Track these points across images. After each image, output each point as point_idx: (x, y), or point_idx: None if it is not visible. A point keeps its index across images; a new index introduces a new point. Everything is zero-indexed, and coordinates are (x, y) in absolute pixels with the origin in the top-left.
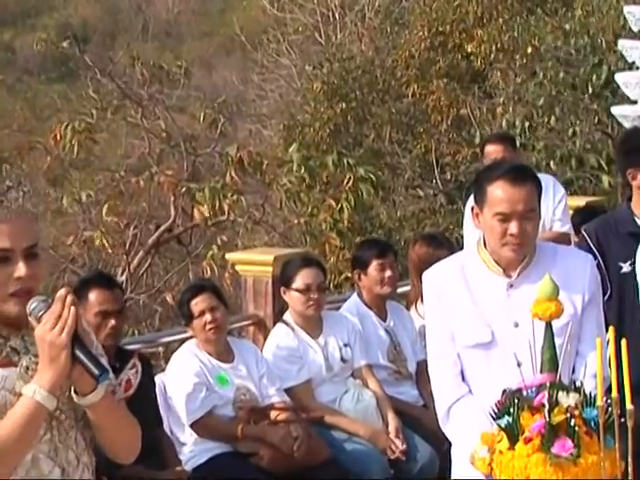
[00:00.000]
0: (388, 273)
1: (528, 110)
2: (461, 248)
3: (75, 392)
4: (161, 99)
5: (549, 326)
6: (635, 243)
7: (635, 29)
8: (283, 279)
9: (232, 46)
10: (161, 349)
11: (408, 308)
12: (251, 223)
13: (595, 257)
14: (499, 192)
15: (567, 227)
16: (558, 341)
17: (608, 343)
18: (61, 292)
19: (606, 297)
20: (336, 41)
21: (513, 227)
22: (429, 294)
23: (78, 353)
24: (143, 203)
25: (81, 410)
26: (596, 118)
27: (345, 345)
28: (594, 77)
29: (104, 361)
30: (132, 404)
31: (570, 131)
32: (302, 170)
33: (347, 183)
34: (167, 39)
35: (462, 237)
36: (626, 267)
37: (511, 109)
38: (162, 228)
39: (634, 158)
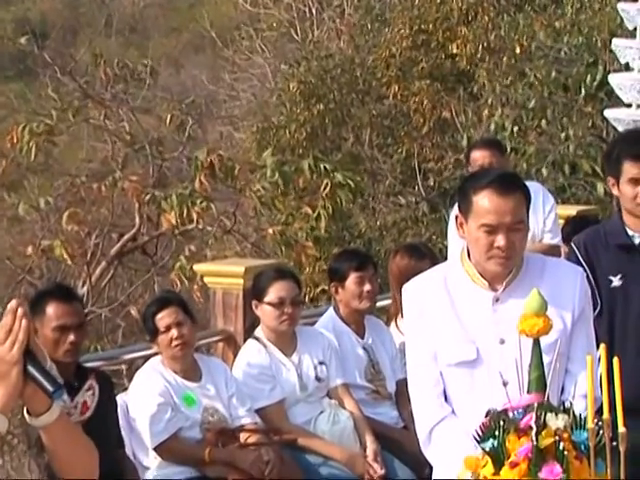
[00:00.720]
0: (367, 287)
1: (517, 113)
2: (445, 259)
3: (28, 412)
4: (125, 99)
5: (537, 343)
6: (626, 256)
7: (630, 26)
8: (255, 292)
9: (202, 43)
10: (124, 366)
11: (388, 324)
12: (221, 232)
13: (584, 270)
14: (485, 202)
15: (557, 239)
16: (546, 359)
17: (599, 361)
18: (12, 304)
19: (596, 313)
20: (313, 38)
21: (500, 240)
22: (409, 308)
23: (31, 369)
24: (106, 210)
25: (35, 434)
26: (590, 121)
27: (320, 363)
28: (588, 78)
29: (59, 379)
30: (91, 425)
31: (562, 135)
32: (276, 176)
33: (324, 190)
34: (132, 35)
35: (446, 248)
36: (616, 281)
37: (499, 112)
38: (126, 237)
39: (611, 166)
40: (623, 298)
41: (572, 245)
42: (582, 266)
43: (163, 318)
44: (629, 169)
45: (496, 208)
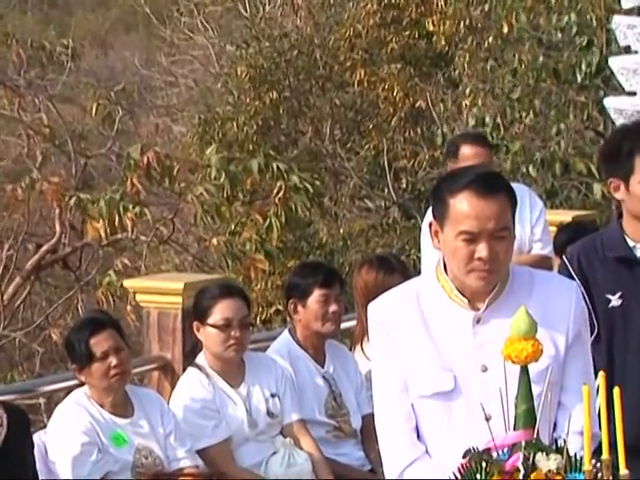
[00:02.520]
0: (333, 307)
1: (500, 104)
2: (419, 273)
3: None
4: (43, 86)
5: (525, 371)
6: (625, 270)
7: (627, 4)
8: (196, 312)
9: (134, 20)
10: (42, 400)
11: (352, 349)
12: (157, 242)
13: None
14: (464, 206)
15: (548, 249)
16: (536, 390)
17: (597, 392)
18: None
19: (592, 337)
20: (265, 14)
21: (482, 249)
22: (376, 330)
23: None
24: (21, 217)
25: None
26: (585, 113)
27: (273, 395)
28: (582, 63)
29: None
30: (1, 469)
31: (553, 130)
32: (222, 177)
33: (277, 193)
34: (51, 11)
35: (420, 260)
36: (615, 300)
37: (480, 102)
38: (44, 248)
39: (615, 165)
40: (623, 320)
41: (564, 259)
42: (575, 282)
43: (99, 343)
44: None
45: (477, 213)
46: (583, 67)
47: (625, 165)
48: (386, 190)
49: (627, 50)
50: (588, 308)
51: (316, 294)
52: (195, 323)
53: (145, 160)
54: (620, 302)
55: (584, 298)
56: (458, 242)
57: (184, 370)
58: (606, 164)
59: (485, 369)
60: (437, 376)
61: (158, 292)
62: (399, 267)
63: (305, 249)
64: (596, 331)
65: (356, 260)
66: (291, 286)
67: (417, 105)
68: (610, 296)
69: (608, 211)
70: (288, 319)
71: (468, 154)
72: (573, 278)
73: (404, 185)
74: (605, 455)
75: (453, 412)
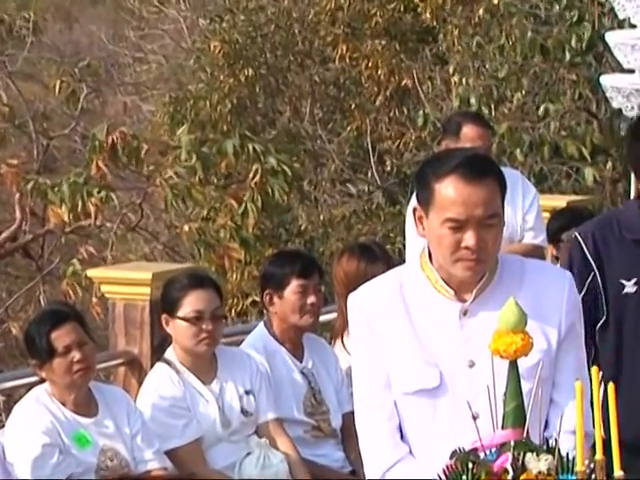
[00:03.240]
0: (312, 299)
1: (486, 83)
2: (404, 262)
3: None
4: (2, 62)
5: (514, 366)
6: None
7: None
8: (165, 304)
9: None
10: (1, 398)
11: (332, 343)
12: (125, 229)
13: (590, 271)
14: (450, 191)
15: (541, 238)
16: (526, 386)
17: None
18: None
19: (600, 323)
20: None
21: (469, 238)
22: (356, 323)
23: None
24: None
25: None
26: (576, 92)
27: (247, 392)
28: (573, 38)
29: None
30: None
31: (542, 110)
32: (194, 159)
33: (253, 177)
34: None
35: (405, 248)
36: (630, 286)
37: (466, 81)
38: (4, 235)
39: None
40: (636, 308)
41: (577, 237)
42: (589, 265)
43: (61, 337)
44: None
45: (464, 198)
46: (573, 43)
47: None
48: (369, 174)
49: (621, 25)
50: (598, 293)
51: (293, 285)
52: (164, 316)
53: (111, 141)
54: (635, 289)
55: (596, 281)
56: (444, 230)
57: (152, 366)
58: (630, 143)
59: (472, 364)
60: (421, 372)
61: (124, 282)
62: (382, 256)
63: (283, 236)
64: (604, 318)
65: (337, 248)
66: (267, 276)
67: (403, 83)
68: (625, 281)
69: (600, 197)
70: (264, 311)
71: (472, 135)
72: (587, 259)
73: (389, 168)
74: (599, 455)
75: (438, 410)
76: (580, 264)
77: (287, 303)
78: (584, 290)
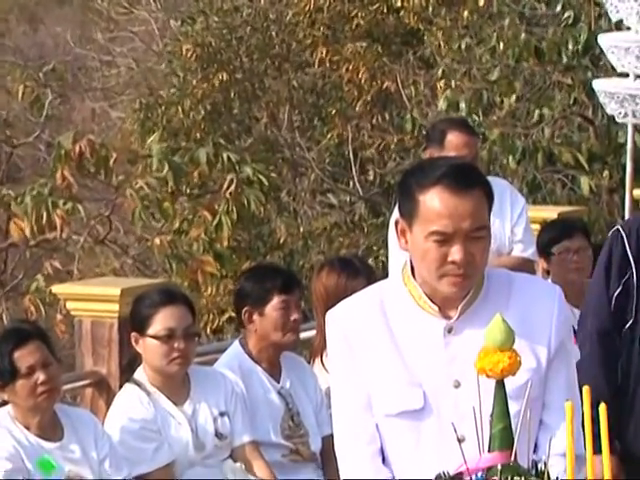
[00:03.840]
0: (294, 315)
1: (477, 86)
2: (387, 277)
3: None
4: None
5: (501, 386)
6: None
7: None
8: (135, 322)
9: None
10: None
11: (311, 362)
12: (92, 243)
13: (629, 267)
14: (436, 203)
15: (531, 251)
16: (514, 407)
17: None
18: None
19: (627, 326)
20: None
21: (456, 252)
22: (335, 341)
23: None
24: None
25: None
26: (571, 97)
27: (222, 414)
28: (568, 40)
29: None
30: None
31: (535, 115)
32: (165, 168)
33: (228, 187)
34: None
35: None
36: None
37: (454, 84)
38: None
39: None
40: None
41: (620, 231)
42: (627, 259)
43: (24, 357)
44: None
45: (451, 210)
46: (569, 45)
47: None
48: (351, 183)
49: (618, 26)
50: (631, 293)
51: (275, 301)
52: (133, 334)
53: (78, 149)
54: None
55: (633, 278)
56: (429, 243)
57: (121, 387)
58: None
59: (458, 384)
60: (404, 393)
61: (91, 299)
62: (363, 270)
63: (260, 250)
64: (631, 322)
65: (317, 262)
66: (244, 292)
67: (385, 87)
68: None
69: (597, 207)
70: (241, 329)
71: (457, 143)
72: (627, 255)
73: (371, 177)
74: (590, 477)
75: (422, 433)
76: (619, 260)
77: (268, 320)
78: (619, 288)
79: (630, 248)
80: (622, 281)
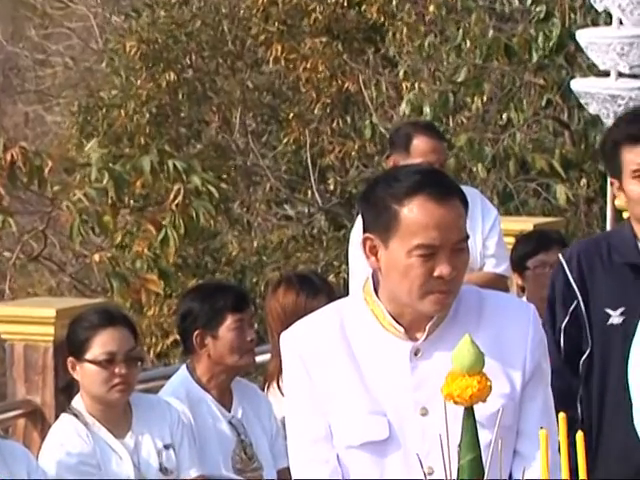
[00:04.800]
0: (251, 335)
1: (442, 89)
2: (349, 294)
3: None
4: None
5: (470, 414)
6: (633, 281)
7: None
8: (71, 346)
9: None
10: None
11: (265, 388)
12: (26, 259)
13: (574, 298)
14: (421, 215)
15: (504, 267)
16: (486, 436)
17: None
18: None
19: (584, 356)
20: None
21: (443, 266)
22: (291, 365)
23: None
24: None
25: None
26: (544, 99)
27: (167, 447)
28: (540, 37)
29: None
30: None
31: (505, 118)
32: (105, 178)
33: (175, 198)
34: None
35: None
36: (616, 317)
37: (416, 86)
38: None
39: (612, 157)
40: (622, 340)
41: (561, 260)
42: (572, 291)
43: None
44: (629, 157)
45: (437, 221)
46: (541, 42)
47: (614, 160)
48: (310, 193)
49: (594, 22)
50: (582, 322)
51: (229, 321)
52: (70, 359)
53: (9, 158)
54: (622, 320)
55: (579, 310)
56: (412, 259)
57: (56, 417)
58: (604, 161)
59: (425, 412)
60: (367, 422)
61: (24, 321)
62: (324, 288)
63: (209, 266)
64: (588, 350)
65: (273, 279)
66: (192, 314)
67: (346, 88)
68: (610, 311)
69: (575, 218)
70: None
71: (424, 148)
72: (570, 284)
73: (332, 187)
74: None
75: (387, 465)
76: (563, 290)
77: (223, 343)
78: (567, 319)
79: (572, 275)
80: (569, 311)
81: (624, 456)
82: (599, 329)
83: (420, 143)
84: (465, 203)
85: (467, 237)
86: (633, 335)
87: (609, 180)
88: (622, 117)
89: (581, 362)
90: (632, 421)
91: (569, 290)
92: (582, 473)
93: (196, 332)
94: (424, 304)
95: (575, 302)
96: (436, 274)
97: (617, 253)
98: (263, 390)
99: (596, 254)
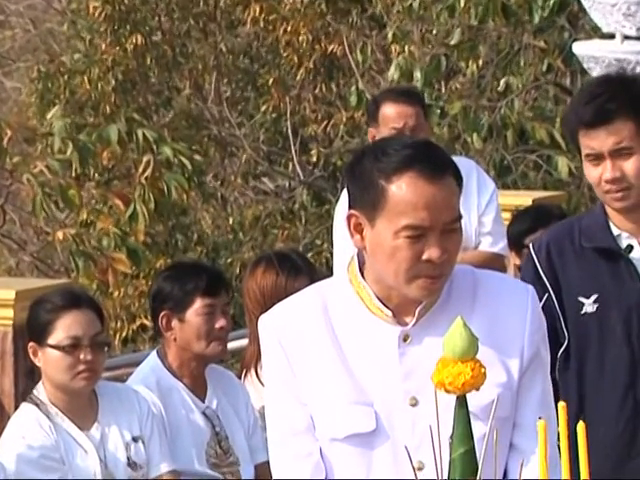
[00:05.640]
0: (220, 322)
1: (435, 51)
2: (332, 274)
3: None
4: None
5: (463, 403)
6: (605, 266)
7: None
8: (33, 330)
9: None
10: None
11: (243, 376)
12: None
13: (545, 290)
14: (409, 193)
15: (501, 245)
16: (480, 428)
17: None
18: None
19: (561, 351)
20: None
21: (433, 249)
22: (270, 352)
23: None
24: None
25: None
26: (545, 63)
27: (135, 440)
28: None
29: None
30: None
31: (502, 84)
32: (69, 149)
33: (144, 171)
34: None
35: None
36: (589, 305)
37: (406, 49)
38: None
39: (571, 135)
40: (598, 330)
41: (530, 248)
42: (542, 282)
43: None
44: (584, 142)
45: (427, 201)
46: (541, 2)
47: (573, 139)
48: (290, 166)
49: None
50: (555, 315)
51: (198, 305)
52: (31, 344)
53: None
54: (595, 307)
55: (551, 302)
56: (399, 240)
57: (16, 407)
58: (568, 135)
59: (415, 402)
60: (353, 413)
61: None
62: (305, 268)
63: (181, 244)
64: (566, 343)
65: (251, 259)
66: (161, 294)
67: (331, 52)
68: (584, 299)
69: (577, 192)
70: (158, 338)
71: (390, 115)
72: (539, 275)
73: (314, 159)
74: None
75: (374, 459)
76: (532, 282)
77: (190, 327)
78: None
79: (541, 266)
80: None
81: (604, 450)
82: (573, 319)
83: (386, 110)
84: (459, 179)
85: (460, 217)
86: (608, 323)
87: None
88: (579, 96)
89: (558, 355)
90: (612, 414)
91: (539, 283)
92: (584, 469)
93: (162, 313)
94: (411, 289)
95: (546, 295)
96: (425, 257)
97: (586, 237)
98: (240, 378)
99: (567, 240)
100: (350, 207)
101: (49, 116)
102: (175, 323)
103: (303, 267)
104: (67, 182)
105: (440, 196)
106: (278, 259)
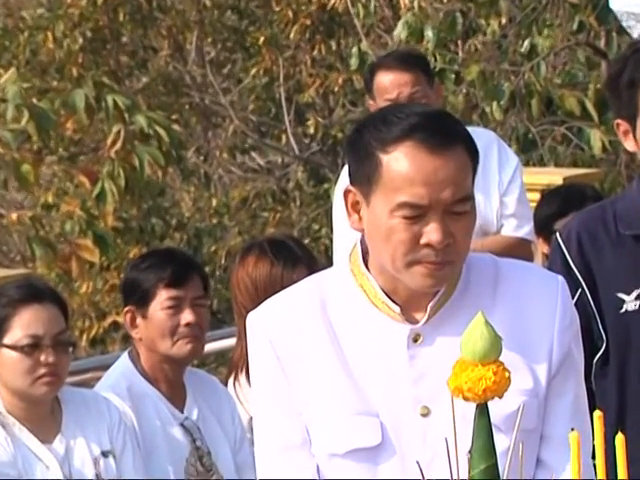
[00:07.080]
0: (188, 317)
1: (449, 7)
2: (332, 264)
3: None
4: None
5: (484, 412)
6: None
7: None
8: None
9: None
10: None
11: (229, 381)
12: None
13: (577, 285)
14: (406, 165)
15: (526, 229)
16: (502, 441)
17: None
18: None
19: (598, 355)
20: None
21: (432, 231)
22: (259, 353)
23: None
24: None
25: None
26: (576, 21)
27: (105, 454)
28: None
29: None
30: None
31: (526, 46)
32: (25, 117)
33: (114, 143)
34: None
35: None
36: (631, 302)
37: (416, 4)
38: None
39: (618, 100)
40: None
41: (557, 238)
42: (574, 276)
43: None
44: None
45: (427, 175)
46: None
47: (630, 99)
48: (284, 138)
49: None
50: (590, 313)
51: (161, 297)
52: None
53: None
54: (638, 305)
55: (586, 299)
56: (395, 220)
57: None
58: (611, 99)
59: (427, 412)
60: (355, 425)
61: None
62: (304, 257)
63: (157, 230)
64: (604, 346)
65: (237, 246)
66: (127, 286)
67: (331, 7)
68: (624, 295)
69: (613, 170)
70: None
71: (384, 85)
72: (570, 268)
73: (311, 130)
74: None
75: (380, 477)
76: (562, 275)
77: (153, 324)
78: None
79: (572, 258)
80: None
81: None
82: (612, 319)
83: (380, 79)
84: (474, 153)
85: (470, 197)
86: None
87: (616, 120)
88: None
89: (594, 361)
90: None
91: (570, 276)
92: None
93: (127, 307)
94: (410, 277)
95: (579, 290)
96: (423, 241)
97: (625, 224)
98: (226, 384)
99: (600, 227)
100: (350, 183)
101: (2, 80)
102: (139, 320)
103: (301, 256)
104: (22, 156)
105: (443, 171)
106: (272, 246)
